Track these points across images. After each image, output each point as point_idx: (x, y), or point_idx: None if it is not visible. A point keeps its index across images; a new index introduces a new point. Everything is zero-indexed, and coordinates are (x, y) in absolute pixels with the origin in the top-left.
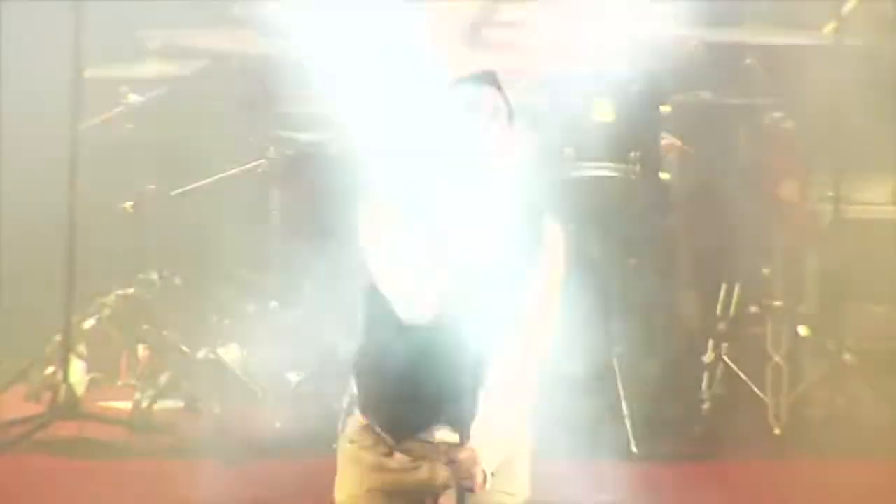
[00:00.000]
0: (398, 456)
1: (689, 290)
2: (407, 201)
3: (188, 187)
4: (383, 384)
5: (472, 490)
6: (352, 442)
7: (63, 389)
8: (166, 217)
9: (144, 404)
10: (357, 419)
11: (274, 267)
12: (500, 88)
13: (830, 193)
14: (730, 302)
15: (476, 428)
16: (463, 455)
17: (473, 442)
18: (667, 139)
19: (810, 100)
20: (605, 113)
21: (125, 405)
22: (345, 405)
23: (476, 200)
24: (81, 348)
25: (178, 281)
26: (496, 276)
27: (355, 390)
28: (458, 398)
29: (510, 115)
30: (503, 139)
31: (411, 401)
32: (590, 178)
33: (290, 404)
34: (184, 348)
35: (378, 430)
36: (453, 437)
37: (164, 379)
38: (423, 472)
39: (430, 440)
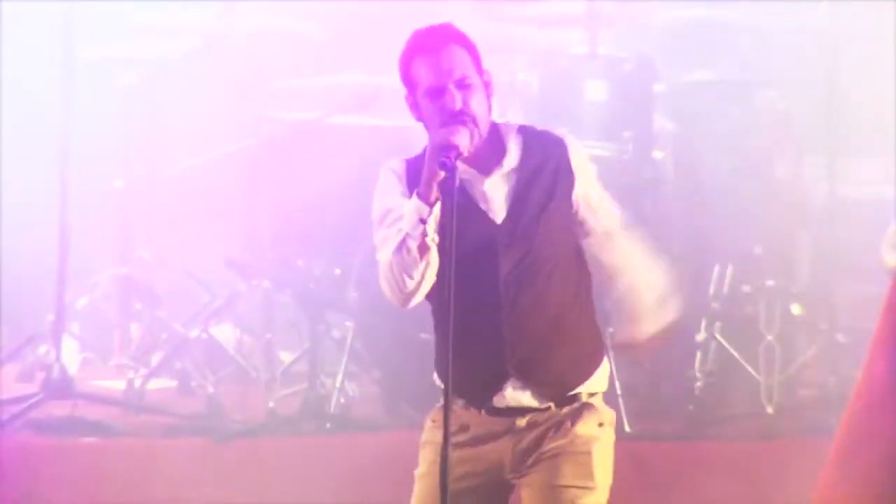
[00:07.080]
0: (469, 433)
1: (682, 270)
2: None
3: (181, 166)
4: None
5: None
6: (433, 420)
7: (56, 369)
8: (159, 196)
9: (137, 383)
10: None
11: (267, 246)
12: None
13: (823, 173)
14: (723, 281)
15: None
16: None
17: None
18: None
19: (804, 79)
20: (598, 92)
21: (118, 384)
22: (338, 384)
23: None
24: (75, 327)
25: (171, 260)
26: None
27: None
28: (528, 350)
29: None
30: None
31: (476, 359)
32: None
33: (284, 384)
34: (177, 328)
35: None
36: (531, 402)
37: (157, 358)
38: (491, 454)
39: (504, 405)
